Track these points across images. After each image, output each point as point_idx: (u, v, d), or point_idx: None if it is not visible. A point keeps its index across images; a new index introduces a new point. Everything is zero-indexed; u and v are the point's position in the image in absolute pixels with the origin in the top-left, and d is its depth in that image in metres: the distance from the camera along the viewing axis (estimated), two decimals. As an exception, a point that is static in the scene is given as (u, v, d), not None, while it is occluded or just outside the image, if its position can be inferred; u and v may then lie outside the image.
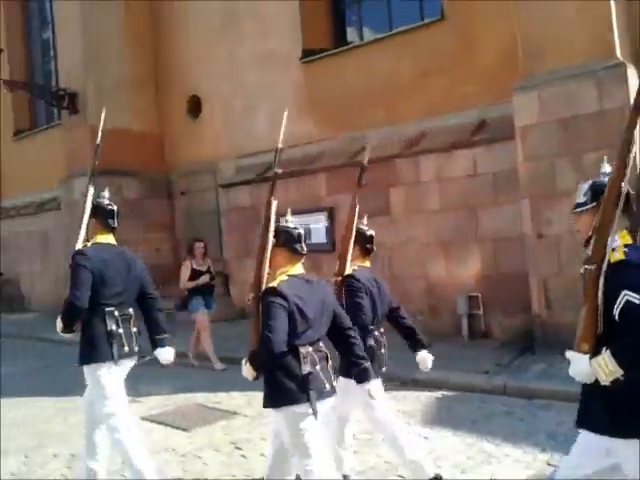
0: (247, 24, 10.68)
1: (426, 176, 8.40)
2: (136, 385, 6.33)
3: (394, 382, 5.49)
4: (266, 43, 10.37)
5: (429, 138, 8.42)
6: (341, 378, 3.28)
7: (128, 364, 3.68)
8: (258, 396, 5.48)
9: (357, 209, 3.61)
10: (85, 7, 11.75)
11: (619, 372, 2.03)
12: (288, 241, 2.95)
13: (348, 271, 3.49)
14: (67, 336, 3.72)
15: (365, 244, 3.71)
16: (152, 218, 12.08)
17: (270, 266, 2.91)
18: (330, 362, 2.92)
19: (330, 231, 9.36)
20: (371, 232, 3.74)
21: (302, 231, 3.01)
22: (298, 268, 2.96)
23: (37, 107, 15.43)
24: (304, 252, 2.97)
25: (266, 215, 2.92)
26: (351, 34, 10.38)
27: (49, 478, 3.99)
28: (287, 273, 2.90)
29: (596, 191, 2.31)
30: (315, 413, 2.72)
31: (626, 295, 2.05)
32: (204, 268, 7.57)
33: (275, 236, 2.94)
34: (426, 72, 8.53)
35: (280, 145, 3.17)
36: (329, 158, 9.51)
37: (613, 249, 2.17)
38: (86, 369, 3.61)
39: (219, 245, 11.05)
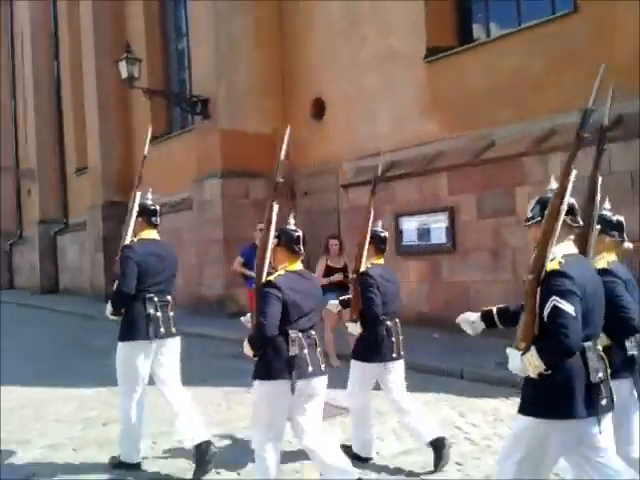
0: (369, 25, 10.70)
1: (556, 175, 7.97)
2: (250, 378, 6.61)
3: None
4: (388, 43, 10.34)
5: (560, 135, 8.00)
6: (357, 363, 4.11)
7: (169, 343, 4.14)
8: (374, 395, 5.49)
9: (372, 213, 4.22)
10: (217, 18, 12.35)
11: (542, 367, 2.40)
12: (288, 242, 3.47)
13: (362, 269, 3.92)
14: (112, 317, 4.23)
15: (379, 244, 4.34)
16: (277, 218, 12.42)
17: (272, 263, 3.38)
18: (319, 348, 3.40)
19: (450, 231, 9.18)
20: (385, 234, 4.40)
21: (300, 234, 3.52)
22: (297, 265, 3.46)
23: (173, 113, 16.41)
24: (301, 252, 3.48)
25: (267, 217, 3.37)
26: (477, 30, 10.11)
27: (176, 461, 4.19)
28: (285, 269, 3.38)
29: (543, 206, 2.63)
30: (293, 389, 3.20)
31: (554, 301, 2.38)
32: (339, 265, 7.44)
33: (277, 237, 3.42)
34: (557, 67, 8.12)
35: (282, 156, 3.75)
36: (451, 157, 9.32)
37: (552, 259, 2.46)
38: (120, 345, 4.12)
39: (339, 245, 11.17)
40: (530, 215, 2.73)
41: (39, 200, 22.62)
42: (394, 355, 4.12)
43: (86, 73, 18.18)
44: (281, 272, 3.37)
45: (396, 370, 4.19)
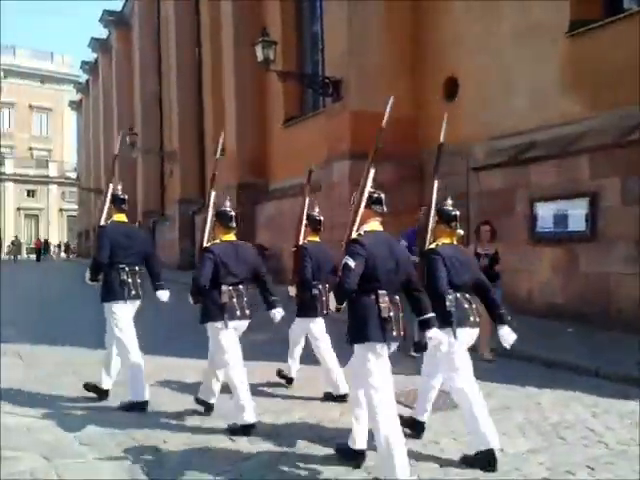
0: (508, -2, 10.17)
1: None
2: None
3: None
4: (528, 17, 9.76)
5: None
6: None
7: (136, 303, 5.30)
8: (500, 388, 5.25)
9: (307, 199, 5.32)
10: (350, 1, 12.28)
11: (334, 303, 3.48)
12: (222, 219, 4.70)
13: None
14: (91, 283, 5.29)
15: (316, 225, 5.52)
16: (404, 201, 12.27)
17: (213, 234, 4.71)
18: (246, 298, 4.67)
19: (591, 218, 8.55)
20: (320, 217, 5.60)
21: (234, 213, 4.75)
22: (230, 237, 4.71)
23: (306, 96, 16.66)
24: (234, 227, 4.73)
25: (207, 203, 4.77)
26: (628, 0, 9.27)
27: (294, 439, 4.26)
28: (221, 239, 4.66)
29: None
30: (226, 325, 4.48)
31: (345, 258, 3.50)
32: (490, 252, 7.01)
33: (216, 215, 4.71)
34: None
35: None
36: (594, 138, 8.64)
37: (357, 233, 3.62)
38: (106, 305, 5.17)
39: (467, 230, 10.80)
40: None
41: (180, 181, 23.99)
42: (325, 312, 5.37)
43: (225, 58, 18.93)
44: (217, 241, 4.66)
45: (320, 324, 5.59)
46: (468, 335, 4.00)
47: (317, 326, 5.57)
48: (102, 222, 5.39)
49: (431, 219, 4.20)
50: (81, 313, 11.22)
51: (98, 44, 38.95)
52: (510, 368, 6.34)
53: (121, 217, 5.40)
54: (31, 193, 56.27)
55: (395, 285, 3.68)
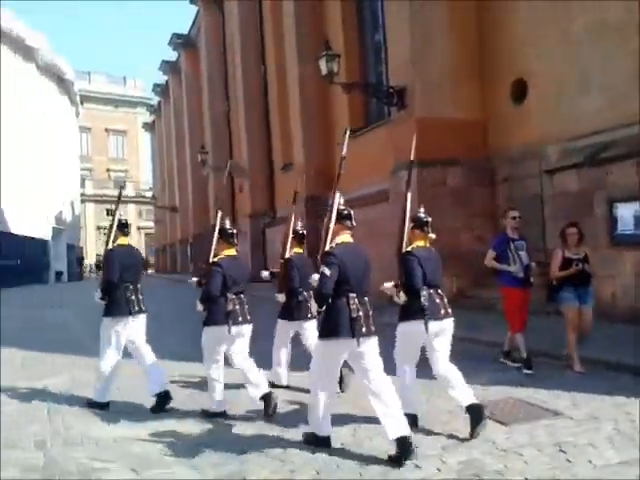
0: (579, -5, 9.86)
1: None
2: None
3: None
4: (602, 14, 9.43)
5: None
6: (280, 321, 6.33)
7: (142, 317, 5.79)
8: (587, 398, 5.05)
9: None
10: (412, 6, 12.22)
11: (315, 306, 4.21)
12: (224, 236, 5.44)
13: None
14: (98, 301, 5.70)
15: (301, 239, 6.25)
16: (474, 206, 12.06)
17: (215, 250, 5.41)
18: (247, 306, 5.36)
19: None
20: (303, 231, 6.18)
21: (234, 231, 5.52)
22: (232, 252, 5.41)
23: (371, 106, 16.67)
24: (235, 243, 5.47)
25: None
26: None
27: (377, 452, 4.23)
28: (224, 254, 5.35)
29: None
30: (229, 331, 5.17)
31: (322, 268, 4.14)
32: (579, 256, 6.63)
33: (219, 232, 5.47)
34: None
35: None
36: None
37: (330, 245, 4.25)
38: (105, 320, 5.65)
39: (542, 234, 10.50)
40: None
41: (250, 195, 24.45)
42: (309, 315, 6.13)
43: (289, 73, 19.21)
44: (222, 256, 5.33)
45: (312, 328, 6.12)
46: (438, 326, 4.63)
47: (308, 329, 6.24)
48: (110, 245, 6.03)
49: (406, 226, 4.80)
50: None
51: (168, 67, 40.39)
52: (596, 377, 6.09)
53: (125, 240, 6.08)
54: (110, 212, 58.69)
55: (364, 288, 4.29)
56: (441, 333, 4.68)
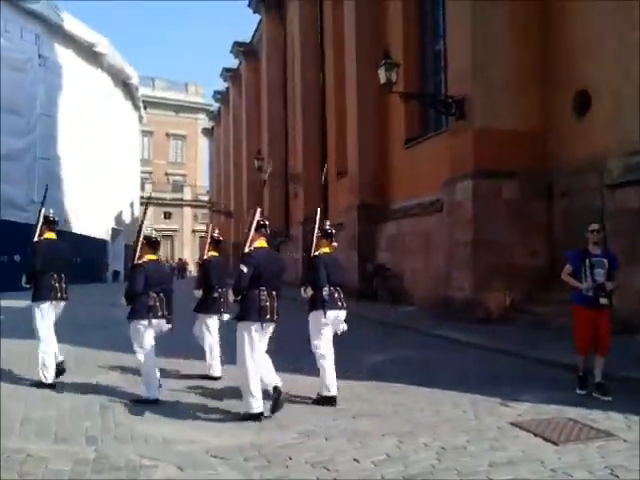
0: (642, 3, 9.53)
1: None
2: (505, 388, 6.30)
3: None
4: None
5: None
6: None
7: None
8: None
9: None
10: (474, 15, 12.10)
11: (232, 297, 5.32)
12: (149, 243, 6.25)
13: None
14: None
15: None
16: (530, 220, 11.80)
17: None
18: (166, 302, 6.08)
19: None
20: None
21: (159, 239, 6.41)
22: (154, 256, 6.21)
23: (427, 116, 16.56)
24: (158, 249, 6.39)
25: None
26: None
27: (421, 465, 4.17)
28: (147, 258, 6.12)
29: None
30: (150, 323, 5.95)
31: (240, 265, 5.29)
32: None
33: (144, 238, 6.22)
34: None
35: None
36: None
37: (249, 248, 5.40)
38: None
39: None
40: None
41: (304, 202, 24.59)
42: (222, 310, 7.20)
43: (348, 81, 19.27)
44: (145, 259, 6.11)
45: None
46: (334, 315, 5.93)
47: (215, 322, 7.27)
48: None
49: (315, 236, 6.16)
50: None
51: (229, 74, 41.15)
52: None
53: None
54: (167, 215, 60.16)
55: (274, 284, 5.40)
56: (337, 321, 5.99)
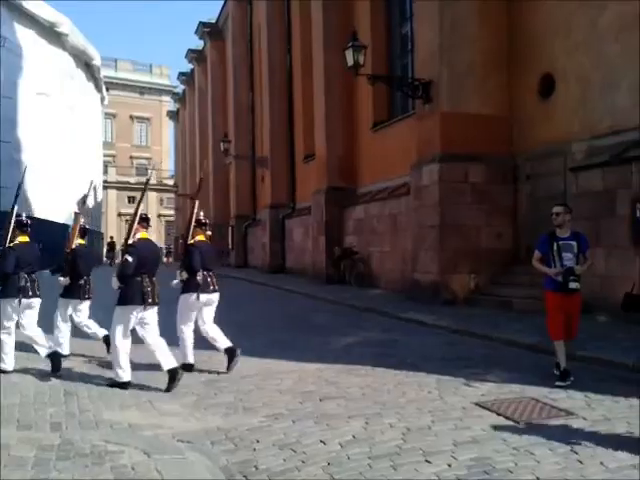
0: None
1: None
2: (470, 369, 6.41)
3: None
4: (633, 7, 9.23)
5: None
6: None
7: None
8: (600, 399, 5.00)
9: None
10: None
11: (117, 284, 5.83)
12: (19, 225, 6.66)
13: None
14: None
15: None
16: (495, 203, 11.95)
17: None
18: (37, 282, 6.67)
19: None
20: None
21: (28, 221, 6.84)
22: (25, 238, 6.67)
23: (394, 99, 16.57)
24: (28, 232, 6.75)
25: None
26: None
27: (387, 445, 4.22)
28: (19, 240, 6.58)
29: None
30: (19, 302, 6.46)
31: (125, 255, 5.86)
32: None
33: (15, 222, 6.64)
34: None
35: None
36: None
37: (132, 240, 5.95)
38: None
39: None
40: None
41: (271, 186, 24.48)
42: (86, 296, 7.59)
43: (315, 63, 19.15)
44: (16, 242, 6.56)
45: (86, 307, 7.65)
46: (207, 298, 6.56)
47: (84, 308, 7.68)
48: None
49: (192, 226, 6.76)
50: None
51: (194, 55, 40.48)
52: (611, 379, 6.00)
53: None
54: (132, 199, 59.19)
55: (153, 271, 6.01)
56: (209, 303, 6.63)
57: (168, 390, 5.70)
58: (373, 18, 16.73)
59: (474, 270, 11.70)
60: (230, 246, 30.13)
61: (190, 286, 6.48)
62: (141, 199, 6.32)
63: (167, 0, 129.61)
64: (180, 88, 50.27)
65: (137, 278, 5.83)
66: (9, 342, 6.52)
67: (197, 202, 6.84)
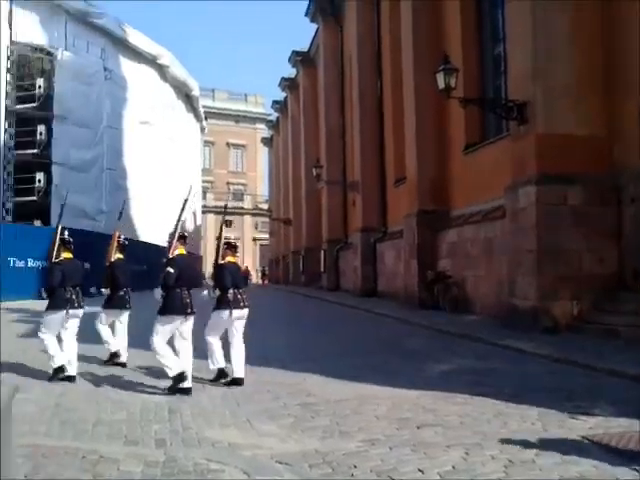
0: None
1: None
2: (574, 400, 6.12)
3: None
4: None
5: None
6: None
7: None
8: None
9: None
10: (535, 18, 11.83)
11: (159, 294, 6.62)
12: (64, 243, 7.49)
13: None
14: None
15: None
16: (597, 226, 11.43)
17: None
18: (81, 295, 7.55)
19: None
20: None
21: (71, 240, 7.60)
22: (69, 255, 7.49)
23: (487, 121, 16.30)
24: (72, 249, 7.55)
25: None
26: None
27: (489, 478, 4.08)
28: (64, 256, 7.42)
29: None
30: (67, 313, 7.37)
31: (167, 268, 6.62)
32: None
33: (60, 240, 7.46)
34: None
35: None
36: None
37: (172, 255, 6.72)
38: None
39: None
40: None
41: (362, 210, 24.61)
42: (127, 306, 8.63)
43: (405, 87, 19.20)
44: (61, 258, 7.39)
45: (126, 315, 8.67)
46: (238, 313, 7.02)
47: (124, 316, 8.63)
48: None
49: (221, 247, 7.25)
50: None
51: (287, 83, 41.67)
52: None
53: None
54: (228, 223, 61.29)
55: (191, 284, 6.78)
56: (240, 318, 7.08)
57: (170, 390, 6.48)
58: (464, 39, 16.59)
59: (576, 296, 11.20)
60: (322, 269, 30.46)
61: (222, 303, 6.97)
62: (179, 218, 6.99)
63: (261, 32, 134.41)
64: (274, 115, 51.77)
65: (177, 290, 6.56)
66: (52, 343, 7.33)
67: (224, 227, 7.69)
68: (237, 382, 6.98)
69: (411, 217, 18.23)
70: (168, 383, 6.68)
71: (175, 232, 6.81)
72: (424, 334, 12.32)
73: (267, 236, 56.74)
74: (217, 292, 6.99)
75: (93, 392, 6.78)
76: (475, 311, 14.74)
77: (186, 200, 7.38)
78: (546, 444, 4.75)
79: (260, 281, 53.87)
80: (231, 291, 6.96)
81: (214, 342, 7.11)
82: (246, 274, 46.76)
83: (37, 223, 25.01)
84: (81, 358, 8.40)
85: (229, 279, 6.98)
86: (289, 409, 5.95)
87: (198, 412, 5.82)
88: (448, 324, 13.00)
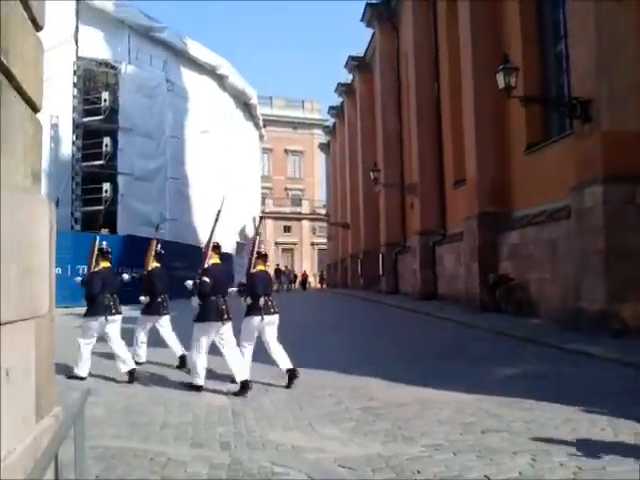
0: None
1: None
2: None
3: None
4: None
5: None
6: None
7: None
8: None
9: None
10: (599, 15, 11.49)
11: (197, 302, 7.12)
12: (102, 253, 8.08)
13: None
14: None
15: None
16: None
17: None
18: (119, 301, 8.04)
19: None
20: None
21: (110, 249, 8.27)
22: (107, 264, 8.09)
23: (549, 119, 15.89)
24: (110, 258, 8.18)
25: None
26: None
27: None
28: (102, 266, 8.01)
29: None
30: (107, 319, 7.79)
31: (202, 276, 7.05)
32: None
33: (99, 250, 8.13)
34: None
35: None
36: None
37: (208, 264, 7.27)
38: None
39: None
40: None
41: (420, 213, 24.39)
42: (165, 312, 8.94)
43: (464, 87, 18.93)
44: (100, 267, 7.93)
45: (166, 320, 8.97)
46: (269, 319, 7.24)
47: (163, 321, 8.96)
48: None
49: (254, 257, 7.50)
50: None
51: (343, 89, 41.80)
52: None
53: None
54: (287, 229, 61.93)
55: (225, 292, 7.27)
56: (271, 323, 7.29)
57: (238, 394, 6.73)
58: (524, 38, 16.23)
59: (647, 300, 10.77)
60: (381, 273, 30.36)
61: (253, 309, 7.24)
62: (213, 229, 7.33)
63: (317, 38, 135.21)
64: (330, 121, 51.98)
65: (213, 297, 6.96)
66: (85, 353, 7.70)
67: (258, 238, 8.21)
68: (292, 373, 7.20)
69: (471, 219, 17.94)
70: (232, 387, 6.97)
71: (209, 242, 7.24)
72: (487, 338, 12.11)
73: (325, 240, 56.95)
74: (249, 299, 7.27)
75: (160, 395, 6.99)
76: (539, 314, 14.36)
77: (219, 211, 7.64)
78: (617, 451, 4.61)
79: (318, 285, 54.10)
80: (262, 298, 7.23)
81: (248, 350, 7.38)
82: (304, 278, 46.99)
83: (104, 232, 25.92)
84: (149, 362, 8.71)
85: (260, 287, 7.29)
86: (351, 413, 5.98)
87: (261, 415, 5.92)
88: (512, 328, 12.72)
